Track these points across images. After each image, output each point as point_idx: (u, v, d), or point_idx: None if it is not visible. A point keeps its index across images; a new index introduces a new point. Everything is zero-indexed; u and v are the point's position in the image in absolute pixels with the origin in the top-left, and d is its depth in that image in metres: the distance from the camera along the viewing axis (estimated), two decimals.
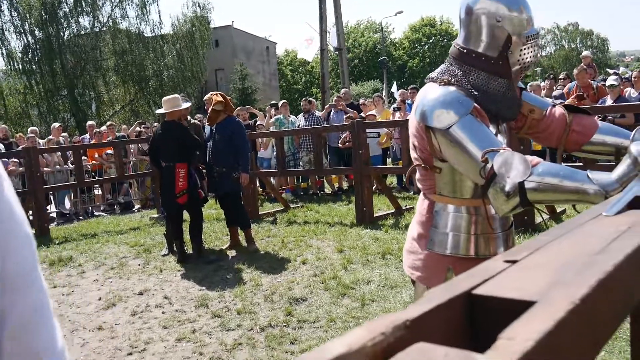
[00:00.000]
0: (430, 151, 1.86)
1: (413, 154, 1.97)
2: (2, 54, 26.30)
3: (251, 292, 4.63)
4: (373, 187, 7.84)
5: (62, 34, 26.71)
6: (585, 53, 10.79)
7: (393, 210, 7.32)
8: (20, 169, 9.19)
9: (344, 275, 4.82)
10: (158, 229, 7.64)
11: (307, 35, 17.79)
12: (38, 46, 26.42)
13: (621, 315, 0.61)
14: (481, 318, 0.50)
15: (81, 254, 6.59)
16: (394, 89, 18.71)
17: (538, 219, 5.76)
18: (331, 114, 10.20)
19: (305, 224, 7.12)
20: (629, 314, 0.69)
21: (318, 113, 10.33)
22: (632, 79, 8.65)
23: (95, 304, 4.73)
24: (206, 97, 6.40)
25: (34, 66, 26.66)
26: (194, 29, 29.07)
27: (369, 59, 45.82)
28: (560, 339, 0.42)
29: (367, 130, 7.45)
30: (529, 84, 9.42)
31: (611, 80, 7.86)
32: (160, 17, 42.44)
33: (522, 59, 1.83)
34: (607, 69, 20.57)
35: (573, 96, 7.96)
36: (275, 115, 10.49)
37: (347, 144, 8.91)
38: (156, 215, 8.69)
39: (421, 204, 2.02)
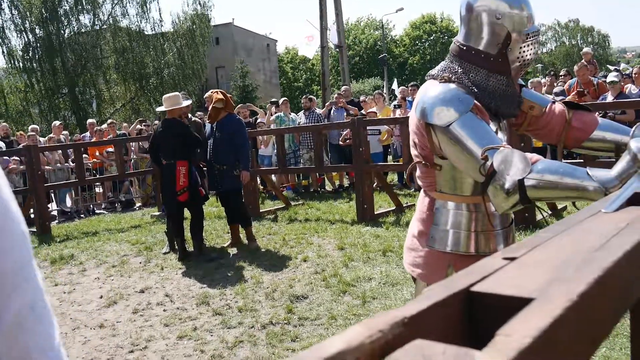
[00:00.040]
0: (430, 148, 1.86)
1: (413, 151, 1.97)
2: (3, 52, 26.39)
3: (252, 290, 4.63)
4: (374, 185, 7.84)
5: (62, 32, 26.75)
6: (586, 49, 10.75)
7: (394, 208, 7.32)
8: (21, 167, 9.20)
9: (345, 272, 4.82)
10: (159, 226, 7.64)
11: (307, 32, 17.81)
12: (39, 44, 26.44)
13: (620, 311, 0.61)
14: (480, 315, 0.50)
15: (82, 252, 6.59)
16: (394, 86, 18.69)
17: (538, 216, 5.75)
18: (332, 111, 10.18)
19: (306, 222, 7.12)
20: (627, 311, 0.69)
21: (319, 110, 10.32)
22: (633, 75, 8.64)
23: (96, 302, 4.74)
24: (207, 94, 6.40)
25: (34, 64, 26.69)
26: (194, 26, 29.08)
27: (370, 56, 45.79)
28: (558, 336, 0.42)
29: (368, 128, 7.44)
30: (529, 81, 9.41)
31: (612, 77, 7.84)
32: (160, 14, 42.70)
33: (522, 56, 1.83)
34: (608, 66, 20.56)
35: (574, 93, 7.94)
36: (275, 112, 10.49)
37: (347, 141, 8.90)
38: (157, 213, 8.69)
39: (421, 202, 2.02)
